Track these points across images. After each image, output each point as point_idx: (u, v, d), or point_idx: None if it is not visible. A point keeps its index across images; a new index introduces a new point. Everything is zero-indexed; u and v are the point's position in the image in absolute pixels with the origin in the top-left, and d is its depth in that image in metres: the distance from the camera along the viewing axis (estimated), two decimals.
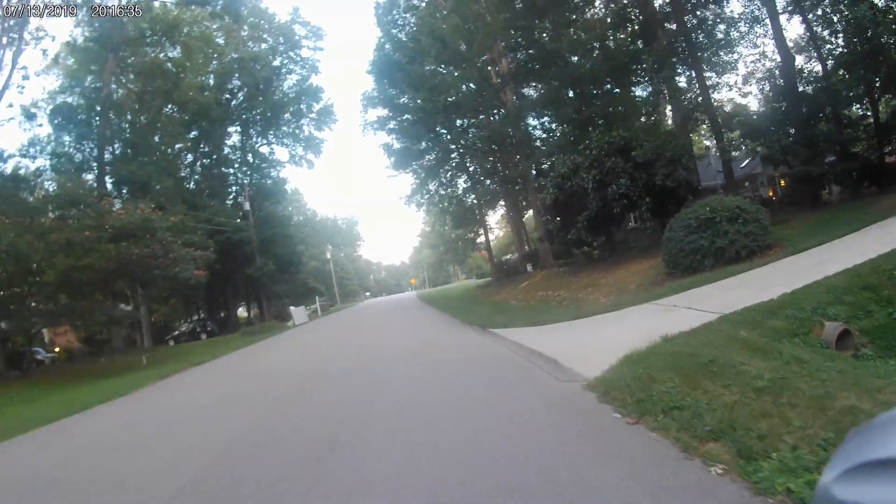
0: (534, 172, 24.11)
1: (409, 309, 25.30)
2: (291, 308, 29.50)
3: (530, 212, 37.57)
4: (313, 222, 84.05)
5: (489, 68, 23.98)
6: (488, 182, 34.34)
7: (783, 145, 15.56)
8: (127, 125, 31.93)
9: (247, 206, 33.27)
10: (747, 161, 25.48)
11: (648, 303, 9.05)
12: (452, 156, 33.32)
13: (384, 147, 32.86)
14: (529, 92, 25.11)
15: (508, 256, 46.67)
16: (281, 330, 26.48)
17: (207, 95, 36.14)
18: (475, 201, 38.30)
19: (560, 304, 13.50)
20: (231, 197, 40.59)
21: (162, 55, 32.37)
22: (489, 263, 44.40)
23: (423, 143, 29.44)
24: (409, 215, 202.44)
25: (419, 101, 23.20)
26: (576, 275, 17.04)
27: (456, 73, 23.80)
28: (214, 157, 39.46)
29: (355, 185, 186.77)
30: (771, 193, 25.90)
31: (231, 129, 41.17)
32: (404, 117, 27.39)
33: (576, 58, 21.16)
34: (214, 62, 37.92)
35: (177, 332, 35.02)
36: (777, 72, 18.01)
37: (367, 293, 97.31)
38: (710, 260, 10.34)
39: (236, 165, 41.58)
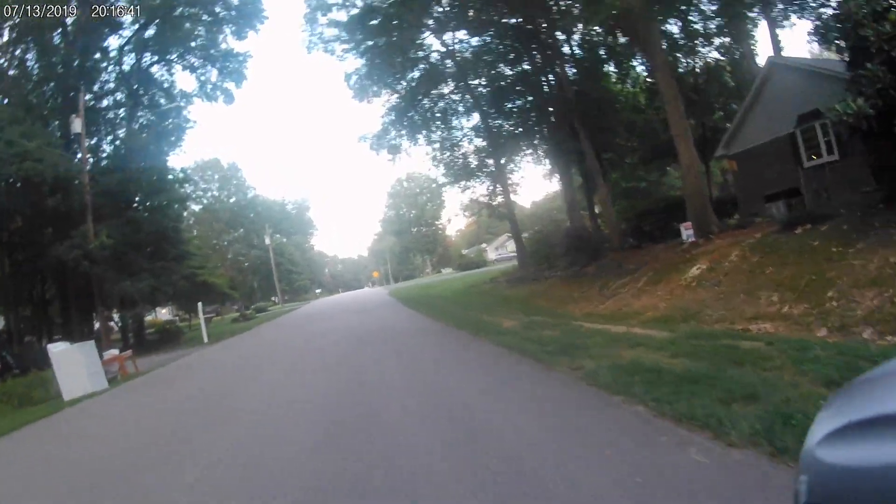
0: None
1: (414, 336, 10.96)
2: (51, 348, 11.14)
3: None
4: (255, 203, 67.66)
5: None
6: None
7: None
8: None
9: (77, 126, 17.71)
10: None
11: None
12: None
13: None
14: None
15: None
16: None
17: None
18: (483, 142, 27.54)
19: None
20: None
21: None
22: (514, 244, 31.13)
23: None
24: (368, 201, 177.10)
25: None
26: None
27: None
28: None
29: (305, 163, 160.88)
30: None
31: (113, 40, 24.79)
32: None
33: None
34: None
35: None
36: None
37: (319, 290, 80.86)
38: None
39: (113, 95, 25.34)
